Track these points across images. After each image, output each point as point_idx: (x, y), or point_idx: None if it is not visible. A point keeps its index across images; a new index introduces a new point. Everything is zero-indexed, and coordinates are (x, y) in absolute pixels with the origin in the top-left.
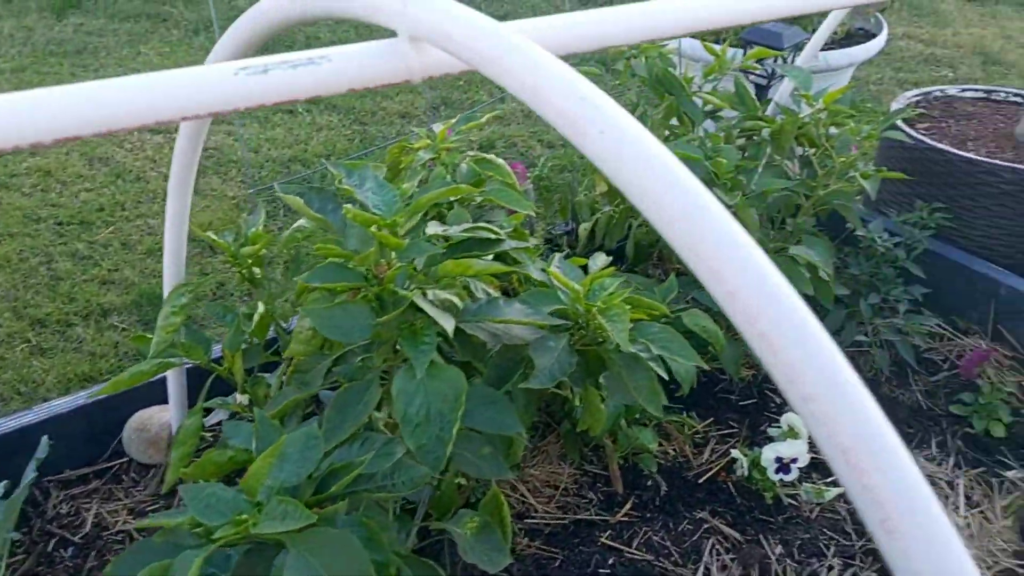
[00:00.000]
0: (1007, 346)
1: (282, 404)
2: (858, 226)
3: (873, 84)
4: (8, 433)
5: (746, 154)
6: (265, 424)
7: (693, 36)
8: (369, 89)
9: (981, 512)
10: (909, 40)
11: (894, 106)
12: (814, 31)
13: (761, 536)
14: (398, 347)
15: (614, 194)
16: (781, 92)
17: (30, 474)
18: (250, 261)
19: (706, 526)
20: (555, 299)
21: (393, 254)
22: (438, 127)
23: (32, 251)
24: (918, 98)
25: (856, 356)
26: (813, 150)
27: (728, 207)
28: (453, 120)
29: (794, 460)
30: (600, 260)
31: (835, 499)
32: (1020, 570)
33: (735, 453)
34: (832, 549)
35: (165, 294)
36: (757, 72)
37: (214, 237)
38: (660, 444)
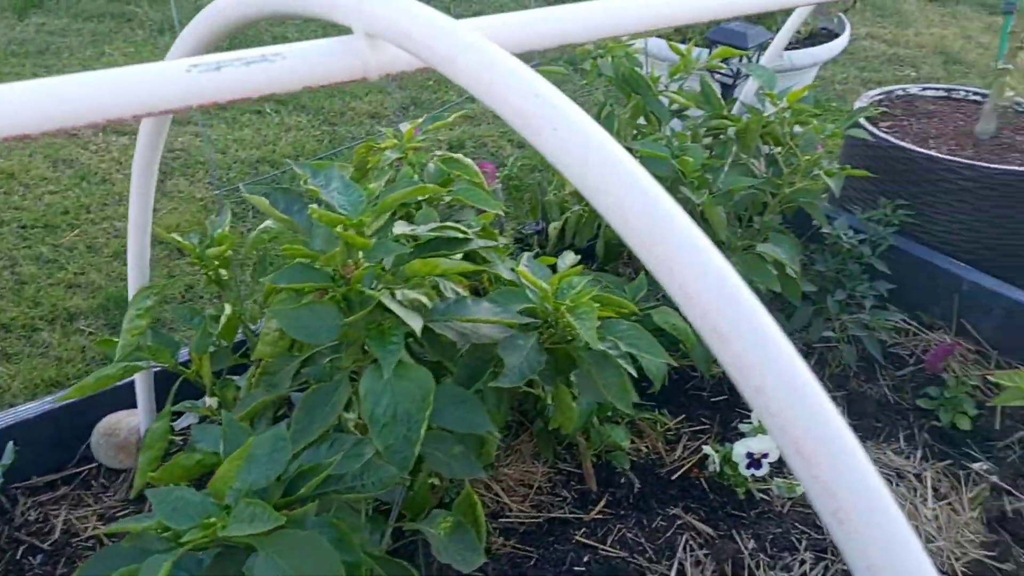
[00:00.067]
0: (971, 340)
1: (250, 406)
2: (824, 223)
3: (838, 83)
4: None
5: (712, 153)
6: (233, 427)
7: (655, 34)
8: (325, 87)
9: (949, 504)
10: (873, 40)
11: (857, 105)
12: (778, 31)
13: (734, 531)
14: (366, 347)
15: None
16: (746, 91)
17: None
18: (216, 263)
19: (679, 522)
20: (524, 298)
21: (360, 254)
22: (405, 127)
23: None
24: (881, 97)
25: (824, 352)
26: (778, 148)
27: (695, 205)
28: (420, 120)
29: (765, 455)
30: (569, 259)
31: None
32: (988, 560)
33: (707, 449)
34: (804, 543)
35: (130, 297)
36: (723, 72)
37: (179, 239)
38: (633, 441)
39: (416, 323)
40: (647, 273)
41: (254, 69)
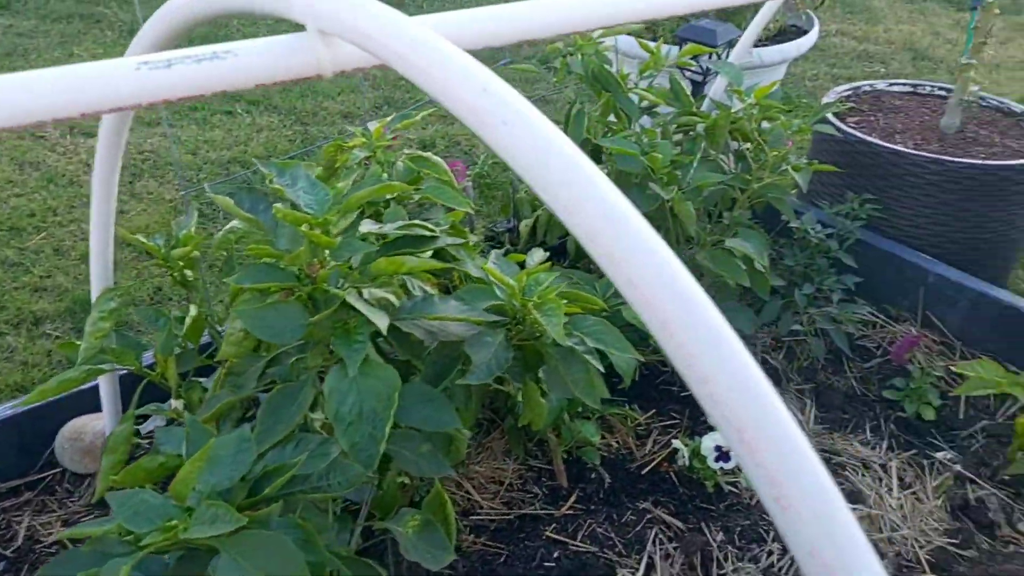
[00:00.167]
0: (936, 332)
1: (215, 407)
2: (792, 218)
3: (809, 80)
4: None
5: (682, 149)
6: (196, 428)
7: (621, 31)
8: (279, 84)
9: (913, 493)
10: (843, 37)
11: (825, 100)
12: (747, 28)
13: (703, 524)
14: (332, 346)
15: None
16: (716, 88)
17: None
18: (182, 264)
19: (649, 516)
20: (492, 295)
21: (326, 253)
22: (373, 125)
23: None
24: (848, 93)
25: (793, 345)
26: (747, 144)
27: (665, 201)
28: (389, 118)
29: None
30: (537, 256)
31: None
32: (951, 548)
33: (676, 443)
34: (772, 534)
35: (93, 299)
36: (692, 69)
37: (143, 240)
38: (603, 437)
39: (382, 321)
40: None
41: (205, 66)
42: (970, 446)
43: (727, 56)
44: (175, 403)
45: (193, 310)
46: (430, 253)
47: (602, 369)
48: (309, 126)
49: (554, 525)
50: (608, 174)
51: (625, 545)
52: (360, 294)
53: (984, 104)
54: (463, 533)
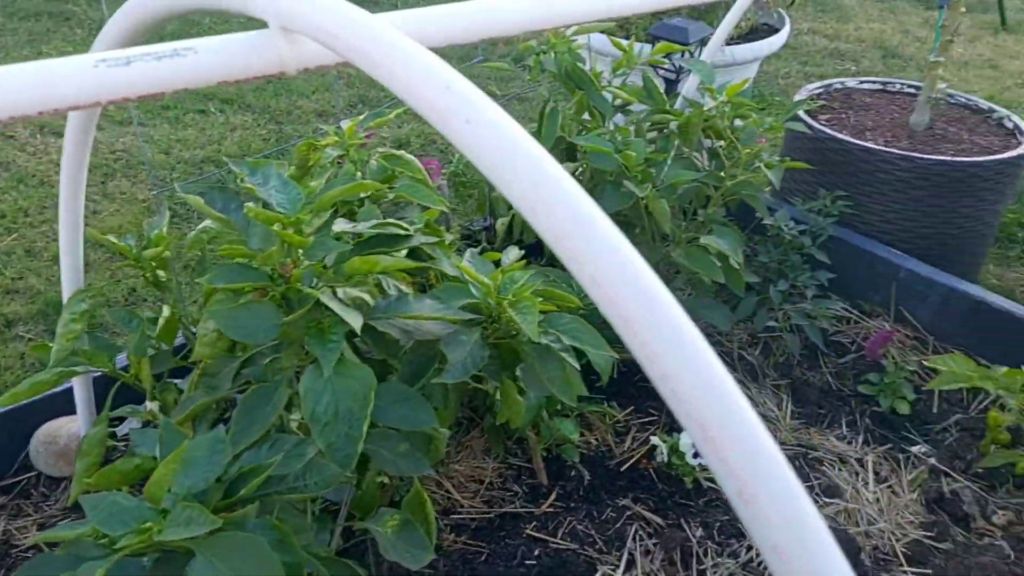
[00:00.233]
0: (909, 327)
1: (189, 409)
2: (765, 215)
3: (781, 78)
4: None
5: (656, 147)
6: (169, 430)
7: (591, 30)
8: (241, 82)
9: (889, 487)
10: (814, 35)
11: (797, 98)
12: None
13: (682, 520)
14: (306, 346)
15: None
16: (689, 86)
17: None
18: (153, 264)
19: (629, 513)
20: (467, 294)
21: (300, 252)
22: (346, 124)
23: None
24: (820, 90)
25: (768, 341)
26: (720, 142)
27: (639, 199)
28: (362, 116)
29: None
30: (513, 254)
31: None
32: (927, 540)
33: (655, 440)
34: None
35: (64, 301)
36: (666, 67)
37: (114, 241)
38: (582, 434)
39: (356, 321)
40: None
41: (165, 64)
42: (944, 440)
43: (699, 54)
44: (150, 405)
45: (166, 311)
46: (405, 252)
47: (578, 367)
48: (283, 125)
49: (534, 523)
50: (583, 172)
51: (605, 542)
52: (334, 293)
53: (952, 101)
54: (443, 532)
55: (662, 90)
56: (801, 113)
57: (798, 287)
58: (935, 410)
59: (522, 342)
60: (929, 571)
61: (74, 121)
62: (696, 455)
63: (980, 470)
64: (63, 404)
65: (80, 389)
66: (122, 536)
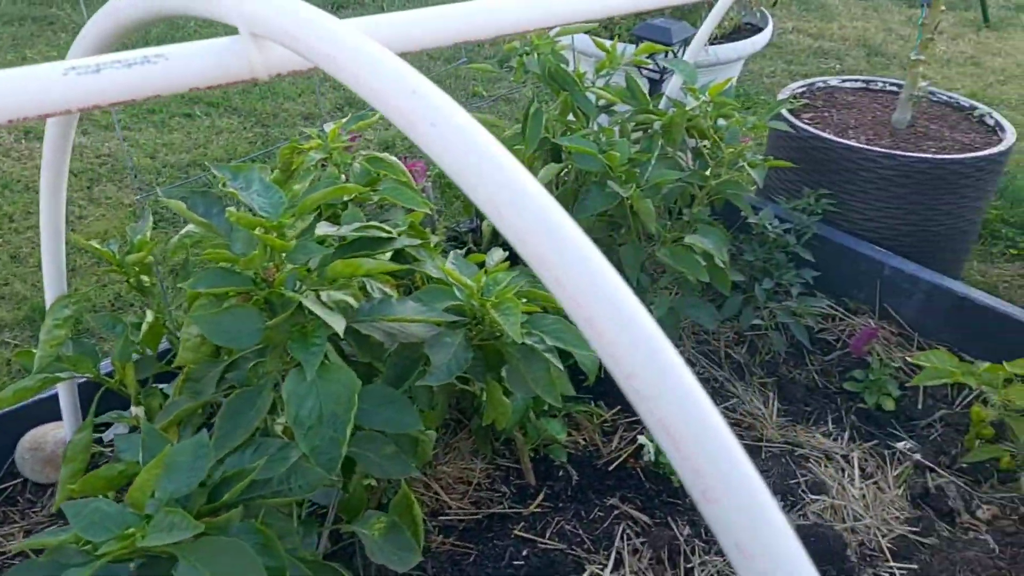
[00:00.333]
0: (893, 323)
1: (174, 413)
2: (750, 214)
3: (766, 77)
4: None
5: (640, 147)
6: (152, 435)
7: (570, 28)
8: (212, 87)
9: (875, 483)
10: (799, 34)
11: (780, 97)
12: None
13: (670, 518)
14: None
15: None
16: (672, 86)
17: None
18: (137, 269)
19: (616, 512)
20: (451, 296)
21: (282, 256)
22: (329, 127)
23: None
24: (803, 89)
25: (754, 339)
26: (704, 142)
27: (624, 199)
28: (345, 119)
29: None
30: (497, 255)
31: None
32: (912, 536)
33: (642, 439)
34: None
35: (47, 307)
36: (650, 67)
37: (97, 246)
38: (570, 434)
39: (339, 324)
40: None
41: (135, 71)
42: (929, 435)
43: (682, 54)
44: (135, 410)
45: (150, 316)
46: (390, 255)
47: (561, 367)
48: (270, 128)
49: (522, 523)
50: (568, 173)
51: (593, 541)
52: (318, 297)
53: (934, 99)
54: (432, 534)
55: (646, 90)
56: (784, 112)
57: (783, 285)
58: (920, 406)
59: (506, 343)
60: (914, 566)
61: (53, 127)
62: None
63: (965, 465)
64: (49, 410)
65: (65, 395)
66: (104, 542)
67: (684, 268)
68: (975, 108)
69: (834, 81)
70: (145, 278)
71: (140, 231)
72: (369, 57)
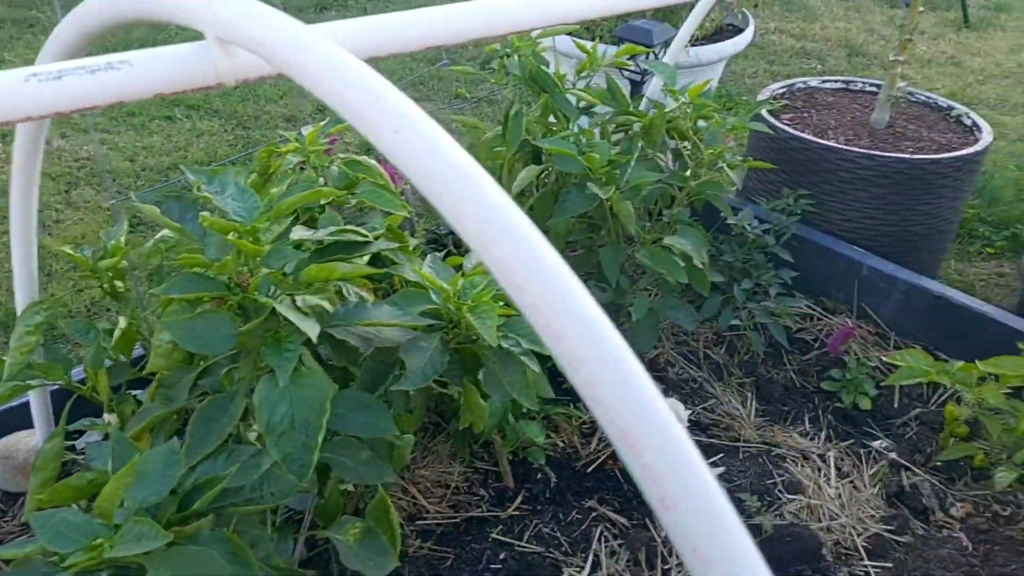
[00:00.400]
0: (871, 323)
1: (145, 421)
2: (729, 215)
3: (748, 77)
4: None
5: (620, 148)
6: (121, 443)
7: (551, 29)
8: (178, 93)
9: (851, 482)
10: (781, 35)
11: (760, 98)
12: None
13: (647, 520)
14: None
15: None
16: (653, 87)
17: None
18: (110, 275)
19: (594, 514)
20: (427, 299)
21: (256, 261)
22: (307, 130)
23: None
24: (783, 90)
25: (733, 339)
26: (684, 143)
27: (604, 200)
28: (323, 122)
29: None
30: (475, 259)
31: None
32: (888, 534)
33: None
34: None
35: (18, 313)
36: (631, 69)
37: (69, 251)
38: (549, 436)
39: (312, 329)
40: None
41: (99, 77)
42: (905, 434)
43: (664, 55)
44: (108, 417)
45: (123, 322)
46: (367, 259)
47: (537, 370)
48: (251, 130)
49: (500, 527)
50: (548, 175)
51: (571, 544)
52: (293, 302)
53: (912, 99)
54: (409, 538)
55: (627, 92)
56: (764, 113)
57: (762, 285)
58: (896, 405)
59: (483, 347)
60: (889, 564)
61: (23, 132)
62: None
63: (939, 463)
64: (21, 418)
65: (37, 402)
66: (72, 553)
67: (663, 269)
68: (953, 108)
69: (814, 82)
70: (119, 283)
71: (114, 236)
72: (333, 63)
